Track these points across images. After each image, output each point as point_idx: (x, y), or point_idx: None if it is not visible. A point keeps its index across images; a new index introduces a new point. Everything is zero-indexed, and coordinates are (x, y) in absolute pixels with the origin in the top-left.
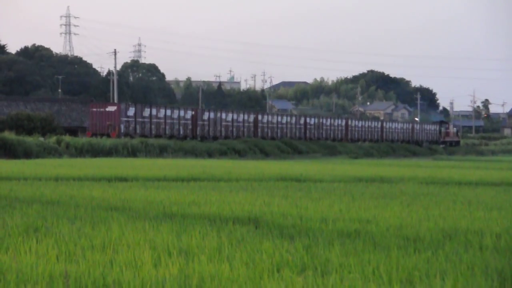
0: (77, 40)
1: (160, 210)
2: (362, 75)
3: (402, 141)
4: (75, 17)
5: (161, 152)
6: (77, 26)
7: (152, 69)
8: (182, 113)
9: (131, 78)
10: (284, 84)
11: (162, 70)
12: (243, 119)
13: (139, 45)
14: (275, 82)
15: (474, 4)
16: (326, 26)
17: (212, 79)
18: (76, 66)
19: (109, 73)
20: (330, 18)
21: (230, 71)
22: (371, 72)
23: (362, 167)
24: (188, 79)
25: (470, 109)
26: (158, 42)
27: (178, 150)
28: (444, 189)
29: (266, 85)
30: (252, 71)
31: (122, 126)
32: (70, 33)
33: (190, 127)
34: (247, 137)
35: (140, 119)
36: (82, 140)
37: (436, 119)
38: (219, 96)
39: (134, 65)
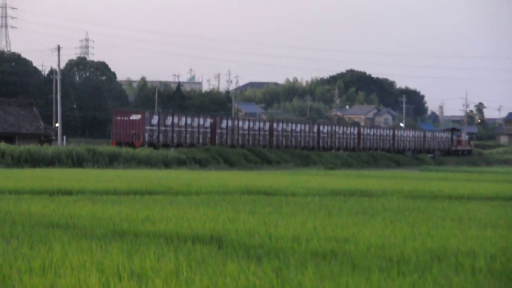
0: (15, 34)
1: (109, 228)
2: (341, 75)
3: (414, 150)
4: (12, 8)
5: (111, 161)
6: (15, 18)
7: (102, 67)
8: (201, 121)
9: (77, 78)
10: (252, 85)
11: (112, 69)
12: (259, 127)
13: (87, 40)
14: (242, 82)
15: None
16: (299, 19)
17: (170, 79)
18: (13, 63)
19: (52, 71)
20: (303, 9)
21: (191, 70)
22: (351, 71)
23: (340, 179)
24: (143, 79)
25: (462, 113)
26: (108, 37)
27: (131, 159)
28: (432, 204)
29: (232, 86)
30: (216, 70)
31: (146, 135)
32: (6, 26)
33: (209, 135)
34: (262, 145)
35: (163, 128)
36: (20, 148)
37: (425, 126)
38: (178, 98)
39: (80, 63)
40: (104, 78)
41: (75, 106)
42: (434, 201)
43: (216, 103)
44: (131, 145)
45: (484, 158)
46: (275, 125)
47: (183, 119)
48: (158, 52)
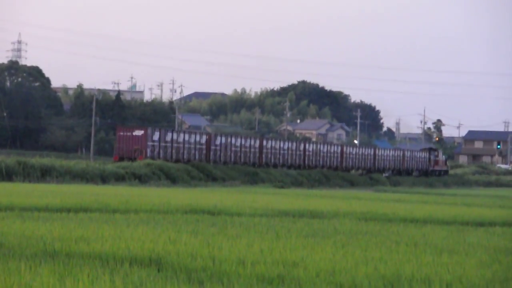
0: None
1: (40, 247)
2: (292, 87)
3: (393, 170)
4: None
5: (44, 175)
6: None
7: (35, 73)
8: (198, 137)
9: (8, 84)
10: (197, 95)
11: (47, 75)
12: (250, 144)
13: (19, 42)
14: (187, 92)
15: (425, 9)
16: (249, 26)
17: (109, 87)
18: None
19: None
20: (253, 16)
21: (132, 78)
22: (303, 83)
23: (289, 199)
24: (79, 86)
25: (419, 131)
26: (43, 40)
27: (65, 173)
28: (386, 227)
29: (175, 96)
30: (158, 79)
31: (148, 151)
32: None
33: (204, 151)
34: (252, 162)
35: (163, 144)
36: None
37: (380, 143)
38: (117, 107)
39: (12, 68)
40: (37, 84)
41: (5, 114)
42: (388, 224)
43: (159, 114)
44: (134, 160)
45: (442, 179)
46: (264, 142)
47: (182, 135)
48: (97, 57)
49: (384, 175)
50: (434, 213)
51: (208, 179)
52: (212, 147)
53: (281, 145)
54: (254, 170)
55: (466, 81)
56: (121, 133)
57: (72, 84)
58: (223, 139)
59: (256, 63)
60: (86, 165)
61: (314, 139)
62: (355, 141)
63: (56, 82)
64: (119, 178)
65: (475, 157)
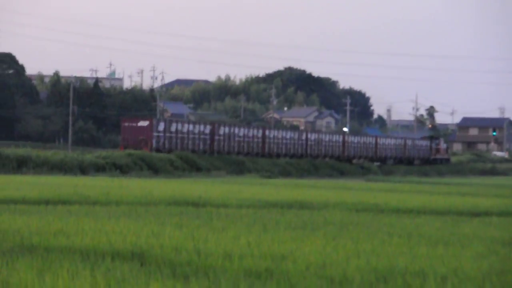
0: None
1: (17, 242)
2: (278, 73)
3: (395, 158)
4: None
5: (20, 166)
6: None
7: (8, 59)
8: (202, 128)
9: None
10: (180, 82)
11: (21, 62)
12: (253, 134)
13: None
14: (168, 79)
15: None
16: (233, 10)
17: (87, 74)
18: None
19: None
20: (237, 0)
21: (110, 64)
22: (289, 69)
23: (277, 189)
24: (56, 73)
25: (411, 118)
26: (17, 26)
27: (42, 164)
28: (378, 218)
29: (156, 83)
30: (139, 65)
31: (154, 141)
32: None
33: (208, 141)
34: (255, 153)
35: (168, 134)
36: None
37: (371, 131)
38: (95, 95)
39: None
40: (11, 71)
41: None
42: (380, 215)
43: (139, 102)
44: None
45: (436, 168)
46: (267, 132)
47: (186, 126)
48: (74, 43)
49: (375, 164)
50: (427, 203)
51: (192, 170)
52: (216, 137)
53: (284, 134)
54: (241, 160)
55: (460, 66)
56: (126, 124)
57: (48, 71)
58: (227, 129)
59: (241, 49)
60: (64, 155)
61: (302, 127)
62: (345, 129)
63: (31, 70)
64: (99, 169)
65: (470, 144)
